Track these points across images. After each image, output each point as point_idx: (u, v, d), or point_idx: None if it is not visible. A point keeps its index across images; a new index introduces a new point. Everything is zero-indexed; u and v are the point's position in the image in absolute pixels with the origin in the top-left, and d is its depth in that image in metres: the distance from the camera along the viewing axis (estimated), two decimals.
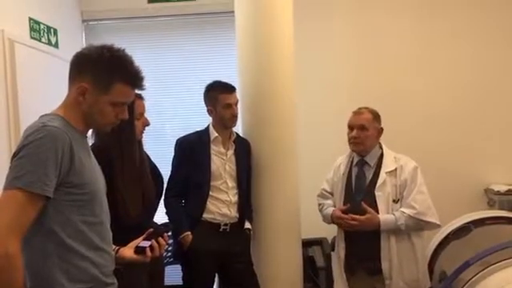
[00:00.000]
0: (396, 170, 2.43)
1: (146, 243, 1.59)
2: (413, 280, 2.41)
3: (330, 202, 2.64)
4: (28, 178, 1.26)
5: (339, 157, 2.67)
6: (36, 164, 1.27)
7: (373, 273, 2.43)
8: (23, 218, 1.26)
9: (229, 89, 2.68)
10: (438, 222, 2.41)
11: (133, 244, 1.63)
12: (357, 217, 2.36)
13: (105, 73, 1.41)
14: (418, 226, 2.39)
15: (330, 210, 2.56)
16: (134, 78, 1.45)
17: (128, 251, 1.60)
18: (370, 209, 2.36)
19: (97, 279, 1.42)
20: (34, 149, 1.29)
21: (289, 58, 2.89)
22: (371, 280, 2.46)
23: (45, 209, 1.31)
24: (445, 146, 3.65)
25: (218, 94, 2.66)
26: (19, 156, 1.30)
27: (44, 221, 1.33)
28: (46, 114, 1.42)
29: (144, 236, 1.63)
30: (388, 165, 2.45)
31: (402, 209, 2.37)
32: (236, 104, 2.70)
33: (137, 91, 1.51)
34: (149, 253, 1.58)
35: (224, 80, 2.72)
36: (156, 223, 2.40)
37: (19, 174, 1.27)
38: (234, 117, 2.68)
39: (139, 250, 1.58)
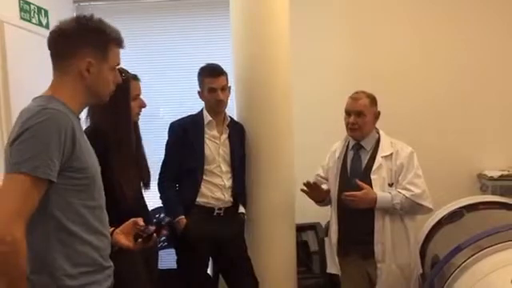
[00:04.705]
0: (392, 154, 2.43)
1: (145, 232, 1.61)
2: (405, 264, 2.43)
3: (324, 186, 2.64)
4: (32, 162, 1.23)
5: (336, 142, 2.65)
6: (39, 148, 1.24)
7: (366, 256, 2.44)
8: (28, 203, 1.24)
9: (214, 72, 2.59)
10: (431, 207, 2.43)
11: (124, 228, 1.63)
12: (354, 193, 2.34)
13: (98, 41, 1.39)
14: (413, 208, 2.39)
15: None
16: (120, 37, 1.45)
17: (122, 237, 1.60)
18: (366, 185, 2.36)
19: (97, 263, 1.41)
20: (36, 132, 1.25)
21: (285, 40, 2.85)
22: (364, 263, 2.48)
23: (46, 193, 1.29)
24: (438, 131, 3.66)
25: (204, 77, 2.62)
26: (21, 140, 1.25)
27: (45, 205, 1.30)
28: (39, 96, 1.38)
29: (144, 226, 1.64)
30: (384, 149, 2.45)
31: (399, 189, 2.38)
32: (222, 89, 2.60)
33: (133, 73, 1.49)
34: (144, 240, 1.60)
35: (219, 63, 2.66)
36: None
37: (23, 159, 1.23)
38: (219, 102, 2.60)
39: (138, 237, 1.61)
